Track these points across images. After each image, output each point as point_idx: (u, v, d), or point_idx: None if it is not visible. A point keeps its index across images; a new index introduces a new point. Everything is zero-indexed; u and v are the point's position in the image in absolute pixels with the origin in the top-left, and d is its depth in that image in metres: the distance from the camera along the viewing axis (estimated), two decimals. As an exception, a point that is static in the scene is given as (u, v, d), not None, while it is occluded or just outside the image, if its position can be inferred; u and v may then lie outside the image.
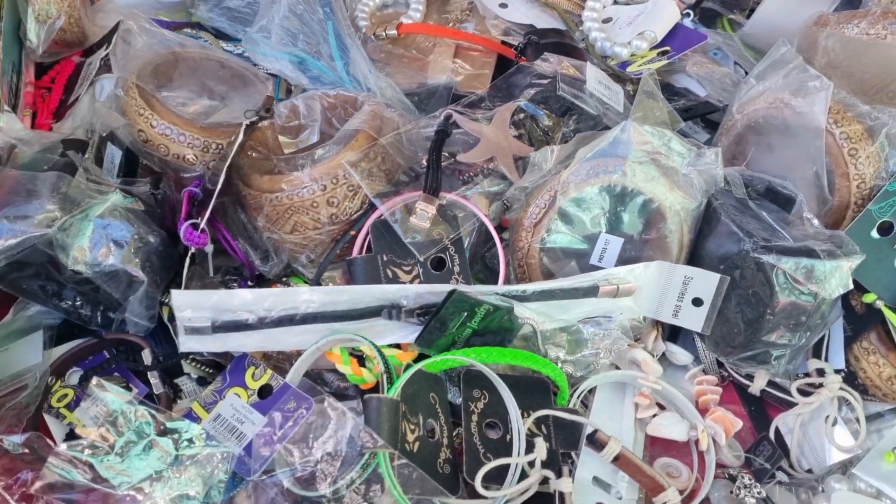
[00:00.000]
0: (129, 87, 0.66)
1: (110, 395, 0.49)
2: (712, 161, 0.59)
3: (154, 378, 0.59)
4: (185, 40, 0.71)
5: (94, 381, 0.50)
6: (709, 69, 0.72)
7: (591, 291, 0.57)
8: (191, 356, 0.60)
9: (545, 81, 0.64)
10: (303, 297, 0.55)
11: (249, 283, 0.63)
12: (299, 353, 0.58)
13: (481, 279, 0.63)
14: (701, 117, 0.71)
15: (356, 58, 0.66)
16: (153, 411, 0.50)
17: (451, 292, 0.53)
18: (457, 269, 0.59)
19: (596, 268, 0.60)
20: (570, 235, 0.59)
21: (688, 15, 0.77)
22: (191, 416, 0.57)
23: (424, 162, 0.60)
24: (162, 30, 0.70)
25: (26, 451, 0.54)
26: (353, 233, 0.59)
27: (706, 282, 0.57)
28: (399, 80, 0.69)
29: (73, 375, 0.61)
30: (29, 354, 0.61)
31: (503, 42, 0.75)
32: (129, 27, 0.69)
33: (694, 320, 0.59)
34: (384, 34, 0.74)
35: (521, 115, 0.63)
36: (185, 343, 0.55)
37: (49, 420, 0.58)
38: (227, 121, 0.66)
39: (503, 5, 0.77)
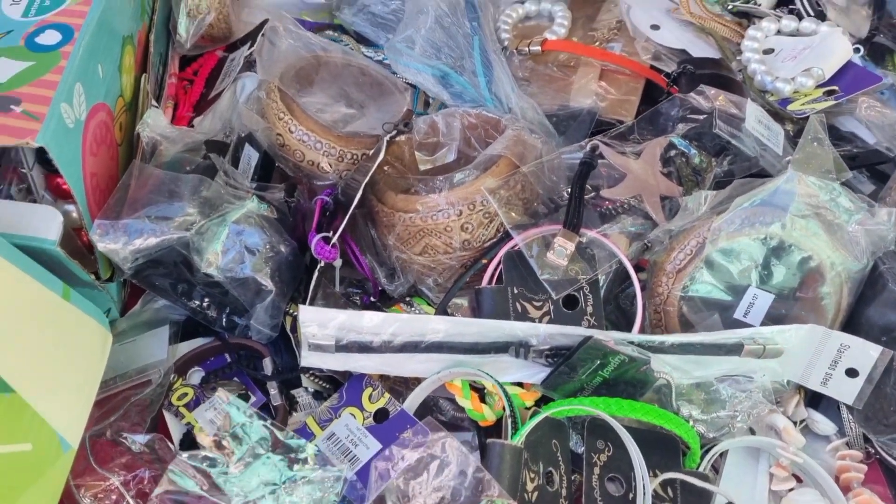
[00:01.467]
0: (271, 90, 0.65)
1: (233, 408, 0.49)
2: (885, 221, 0.54)
3: (273, 389, 0.58)
4: (329, 44, 0.70)
5: (220, 392, 0.50)
6: (879, 113, 0.66)
7: (735, 349, 0.53)
8: (310, 370, 0.59)
9: (700, 117, 0.60)
10: (430, 325, 0.53)
11: (372, 298, 0.62)
12: (418, 380, 0.57)
13: (612, 320, 0.59)
14: (868, 167, 0.65)
15: (499, 75, 0.64)
16: (272, 427, 0.50)
17: (586, 339, 0.51)
18: (590, 309, 0.56)
19: (740, 323, 0.56)
20: (716, 286, 0.55)
21: (857, 50, 0.71)
22: (305, 430, 0.56)
23: (565, 194, 0.57)
24: (307, 33, 0.69)
25: (146, 450, 0.55)
26: (484, 261, 0.57)
27: (864, 353, 0.53)
28: (540, 101, 0.67)
29: (195, 375, 0.61)
30: (154, 349, 0.62)
31: (653, 67, 0.71)
32: (276, 28, 0.69)
33: (846, 392, 0.54)
34: (528, 49, 0.71)
35: (672, 152, 0.60)
36: (307, 358, 0.55)
37: (168, 417, 0.59)
38: (364, 131, 0.65)
39: (655, 27, 0.73)
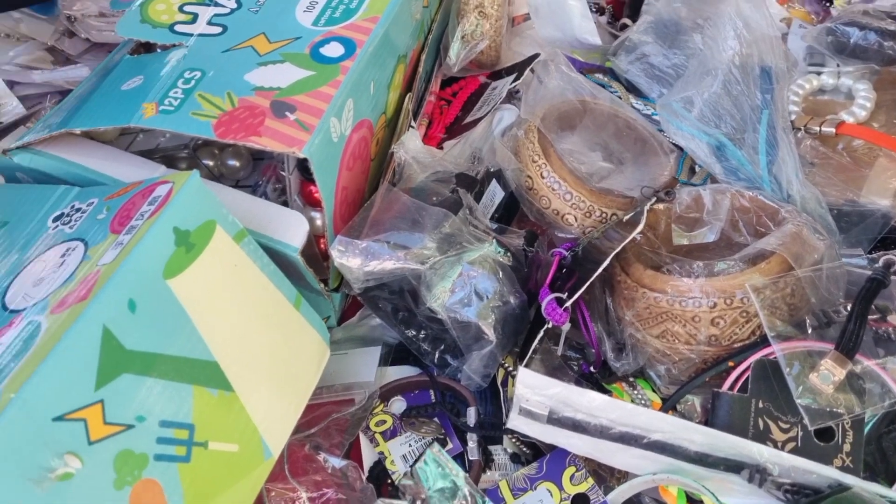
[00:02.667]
0: (530, 130, 0.63)
1: (442, 470, 0.47)
2: None
3: (472, 441, 0.56)
4: (598, 91, 0.66)
5: (436, 448, 0.48)
6: None
7: None
8: (514, 432, 0.56)
9: None
10: (656, 422, 0.48)
11: (592, 369, 0.58)
12: (626, 472, 0.52)
13: (869, 463, 0.51)
14: None
15: (784, 157, 0.57)
16: (477, 495, 0.47)
17: (844, 488, 0.43)
18: (847, 447, 0.48)
19: None
20: None
21: None
22: (496, 494, 0.53)
23: (842, 309, 0.49)
24: (578, 75, 0.66)
25: (339, 474, 0.54)
26: (731, 364, 0.51)
27: None
28: (825, 191, 0.59)
29: (396, 404, 0.60)
30: (364, 368, 0.61)
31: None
32: (547, 65, 0.67)
33: None
34: (818, 130, 0.63)
35: None
36: (515, 421, 0.51)
37: (363, 440, 0.58)
38: (619, 189, 0.61)
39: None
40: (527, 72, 0.70)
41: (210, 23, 0.61)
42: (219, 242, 0.48)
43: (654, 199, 0.56)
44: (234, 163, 0.64)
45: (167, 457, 0.43)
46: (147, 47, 0.64)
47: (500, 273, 0.55)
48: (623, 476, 0.54)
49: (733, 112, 0.59)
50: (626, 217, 0.55)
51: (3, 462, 0.37)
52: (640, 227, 0.52)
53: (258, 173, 0.65)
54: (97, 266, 0.44)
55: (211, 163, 0.65)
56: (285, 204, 0.59)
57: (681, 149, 0.64)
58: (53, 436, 0.39)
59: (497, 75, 0.76)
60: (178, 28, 0.61)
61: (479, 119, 0.71)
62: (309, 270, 0.55)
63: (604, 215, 0.60)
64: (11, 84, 0.78)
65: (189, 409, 0.45)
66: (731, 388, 0.51)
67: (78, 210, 0.51)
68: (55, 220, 0.52)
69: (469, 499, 0.48)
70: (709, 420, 0.51)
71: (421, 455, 0.52)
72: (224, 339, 0.47)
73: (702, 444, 0.47)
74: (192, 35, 0.60)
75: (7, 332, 0.43)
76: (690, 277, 0.51)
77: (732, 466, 0.47)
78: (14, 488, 0.37)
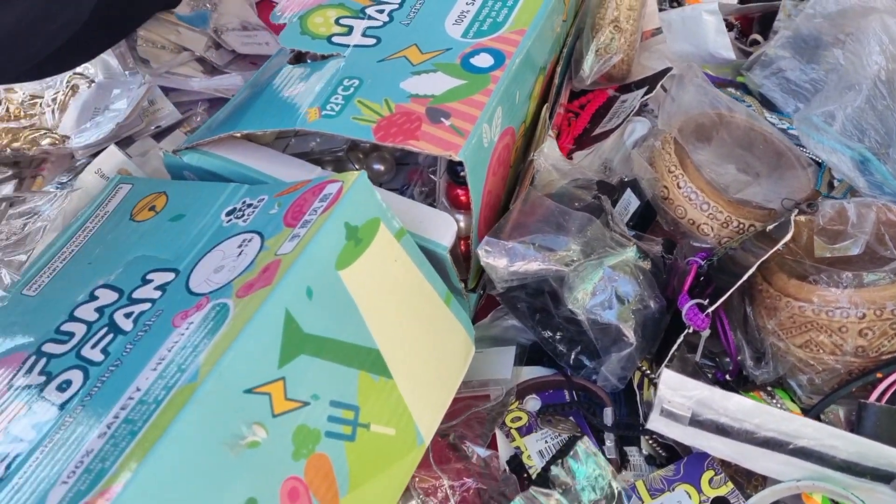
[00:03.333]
0: (667, 141, 0.64)
1: (593, 464, 0.49)
2: None
3: (609, 441, 0.57)
4: (734, 104, 0.67)
5: (586, 442, 0.49)
6: None
7: None
8: (653, 434, 0.57)
9: None
10: (804, 429, 0.48)
11: (727, 377, 0.59)
12: (763, 476, 0.52)
13: None
14: None
15: (932, 172, 0.57)
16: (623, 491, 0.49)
17: None
18: None
19: None
20: None
21: None
22: (633, 493, 0.54)
23: None
24: (714, 88, 0.67)
25: (481, 463, 0.56)
26: (879, 375, 0.51)
27: None
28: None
29: (531, 402, 0.62)
30: (500, 366, 0.63)
31: None
32: (682, 79, 0.68)
33: None
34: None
35: None
36: (655, 422, 0.53)
37: (499, 436, 0.60)
38: (756, 201, 0.61)
39: None
40: (660, 86, 0.71)
41: (364, 34, 0.65)
42: (382, 238, 0.51)
43: (797, 210, 0.56)
44: (379, 167, 0.68)
45: (336, 434, 0.47)
46: (299, 57, 0.68)
47: (641, 277, 0.57)
48: (760, 482, 0.54)
49: (878, 127, 0.59)
50: (770, 227, 0.56)
51: (204, 426, 0.40)
52: (788, 236, 0.52)
53: (402, 177, 0.69)
54: (276, 255, 0.48)
55: (357, 166, 0.69)
56: (431, 206, 0.62)
57: (818, 163, 0.65)
58: (244, 406, 0.42)
59: (626, 88, 0.78)
60: (335, 39, 0.65)
61: (610, 130, 0.73)
62: (454, 269, 0.57)
63: (741, 226, 0.61)
64: (166, 91, 0.85)
65: (354, 392, 0.48)
66: (879, 399, 0.51)
67: (249, 206, 0.56)
68: (228, 213, 0.56)
69: (616, 494, 0.49)
70: (854, 431, 0.51)
71: (562, 450, 0.54)
72: (385, 328, 0.50)
73: (850, 452, 0.48)
74: (348, 46, 0.64)
75: (196, 313, 0.47)
76: (838, 287, 0.51)
77: (882, 476, 0.47)
78: (212, 450, 0.40)
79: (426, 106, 0.57)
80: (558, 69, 0.73)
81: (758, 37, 0.80)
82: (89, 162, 0.77)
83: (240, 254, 0.51)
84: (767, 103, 0.72)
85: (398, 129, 0.56)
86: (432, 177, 0.62)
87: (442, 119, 0.56)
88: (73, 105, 0.81)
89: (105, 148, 0.73)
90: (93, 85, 0.82)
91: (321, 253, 0.48)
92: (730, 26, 0.84)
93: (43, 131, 0.79)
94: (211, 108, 0.86)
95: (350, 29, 0.65)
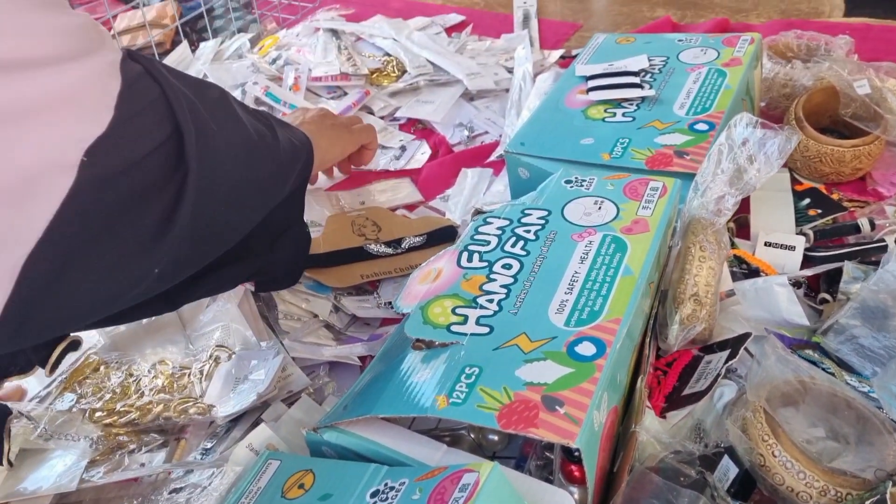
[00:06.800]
0: (757, 410, 0.71)
1: None
2: None
3: None
4: (815, 371, 0.74)
5: None
6: None
7: None
8: None
9: None
10: None
11: None
12: None
13: None
14: None
15: None
16: None
17: None
18: None
19: None
20: None
21: None
22: None
23: None
24: (794, 357, 0.74)
25: None
26: None
27: None
28: None
29: None
30: None
31: None
32: (764, 348, 0.75)
33: None
34: None
35: None
36: None
37: None
38: (851, 470, 0.66)
39: None
40: (741, 351, 0.79)
41: (478, 323, 0.75)
42: (516, 524, 0.57)
43: (891, 484, 0.61)
44: (494, 437, 0.76)
45: None
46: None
47: (750, 550, 0.61)
48: None
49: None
50: (868, 502, 0.60)
51: None
52: (886, 517, 0.57)
53: (515, 446, 0.76)
54: (427, 546, 0.55)
55: (473, 436, 0.77)
56: (547, 480, 0.68)
57: (903, 427, 0.70)
58: None
59: (709, 349, 0.86)
60: (453, 328, 0.75)
61: (700, 393, 0.79)
62: (574, 543, 0.63)
63: (839, 494, 0.65)
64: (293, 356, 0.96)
65: None
66: None
67: (392, 488, 0.63)
68: (372, 495, 0.64)
69: None
70: None
71: None
72: None
73: None
74: (466, 335, 0.74)
75: None
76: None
77: None
78: None
79: (541, 394, 0.66)
80: (647, 341, 0.81)
81: (826, 296, 0.88)
82: (228, 427, 0.87)
83: (390, 538, 0.58)
84: (845, 365, 0.79)
85: (518, 416, 0.64)
86: (547, 453, 0.69)
87: (556, 407, 0.64)
88: (217, 376, 0.92)
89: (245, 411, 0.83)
90: (233, 356, 0.94)
91: (465, 544, 0.54)
92: (798, 283, 0.92)
93: (191, 401, 0.90)
94: (331, 372, 0.96)
95: (465, 318, 0.76)
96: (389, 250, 1.07)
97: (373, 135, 1.16)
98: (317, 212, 1.18)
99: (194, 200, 0.64)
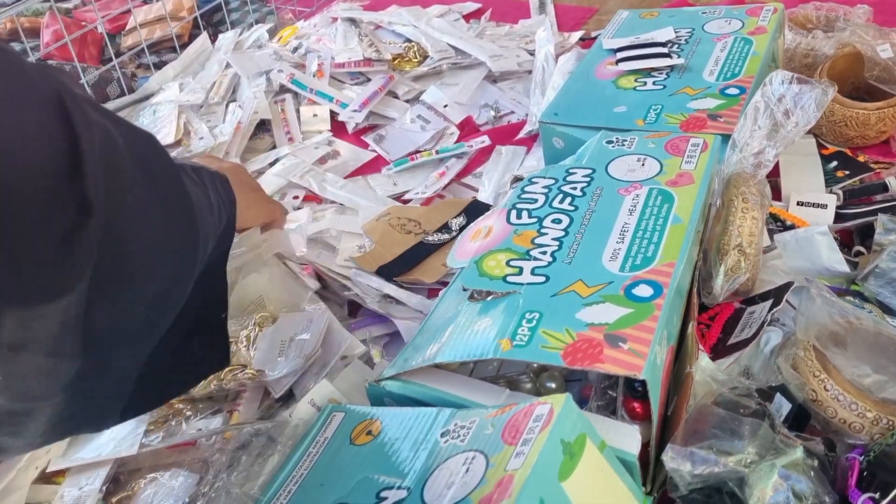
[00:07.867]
0: (807, 348, 0.73)
1: None
2: None
3: None
4: (859, 313, 0.76)
5: None
6: None
7: None
8: None
9: None
10: None
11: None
12: None
13: None
14: None
15: None
16: None
17: None
18: None
19: None
20: None
21: None
22: None
23: None
24: (840, 301, 0.77)
25: None
26: None
27: None
28: None
29: None
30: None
31: None
32: (810, 292, 0.78)
33: None
34: None
35: None
36: None
37: None
38: (901, 400, 0.69)
39: None
40: (784, 300, 0.81)
41: (533, 273, 0.77)
42: (590, 452, 0.60)
43: (945, 408, 0.64)
44: (552, 384, 0.78)
45: None
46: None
47: (812, 475, 0.63)
48: None
49: None
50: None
51: None
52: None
53: (574, 393, 0.78)
54: (506, 471, 0.57)
55: (529, 385, 0.79)
56: (612, 418, 0.71)
57: (949, 361, 0.72)
58: None
59: (751, 301, 0.88)
60: (509, 279, 0.77)
61: (745, 340, 0.82)
62: (639, 474, 0.65)
63: (890, 422, 0.68)
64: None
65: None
66: None
67: (462, 427, 0.65)
68: (443, 435, 0.66)
69: None
70: None
71: None
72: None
73: None
74: (522, 284, 0.76)
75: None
76: None
77: None
78: None
79: (603, 333, 0.68)
80: (694, 290, 0.83)
81: (861, 248, 0.91)
82: (285, 396, 0.88)
83: (466, 471, 0.60)
84: (886, 309, 0.81)
85: (583, 354, 0.66)
86: (609, 392, 0.71)
87: (620, 343, 0.67)
88: (262, 341, 0.94)
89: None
90: (277, 321, 0.96)
91: (546, 467, 0.56)
92: (832, 239, 0.95)
93: (239, 368, 0.92)
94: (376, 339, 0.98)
95: (520, 269, 0.78)
96: (446, 236, 1.08)
97: (283, 213, 1.05)
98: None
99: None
